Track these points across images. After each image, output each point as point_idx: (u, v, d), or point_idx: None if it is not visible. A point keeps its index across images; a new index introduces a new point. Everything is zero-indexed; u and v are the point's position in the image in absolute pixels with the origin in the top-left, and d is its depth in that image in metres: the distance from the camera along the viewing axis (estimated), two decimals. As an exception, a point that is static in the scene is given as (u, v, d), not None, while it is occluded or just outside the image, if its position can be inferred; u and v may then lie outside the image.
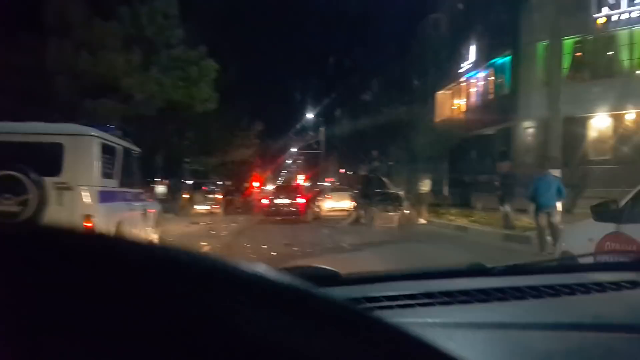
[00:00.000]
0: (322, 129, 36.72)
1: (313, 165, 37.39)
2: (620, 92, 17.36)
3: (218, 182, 24.20)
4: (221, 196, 21.73)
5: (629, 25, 17.97)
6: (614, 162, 17.07)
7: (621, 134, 17.84)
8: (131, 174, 7.11)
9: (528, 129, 20.37)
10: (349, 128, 34.43)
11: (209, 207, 20.25)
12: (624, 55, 18.29)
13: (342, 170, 34.96)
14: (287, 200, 17.14)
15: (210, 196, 21.06)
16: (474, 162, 21.12)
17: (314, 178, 34.52)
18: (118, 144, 6.63)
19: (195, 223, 14.50)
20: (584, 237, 3.60)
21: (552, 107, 12.01)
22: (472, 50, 23.89)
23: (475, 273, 1.37)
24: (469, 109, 24.63)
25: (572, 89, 18.37)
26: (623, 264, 1.56)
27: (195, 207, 19.94)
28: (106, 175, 6.12)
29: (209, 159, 24.57)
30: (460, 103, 25.93)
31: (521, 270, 1.44)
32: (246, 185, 29.45)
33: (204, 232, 12.19)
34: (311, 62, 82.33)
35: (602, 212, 3.40)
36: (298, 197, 17.47)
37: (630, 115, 17.87)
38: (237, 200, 24.16)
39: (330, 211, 18.05)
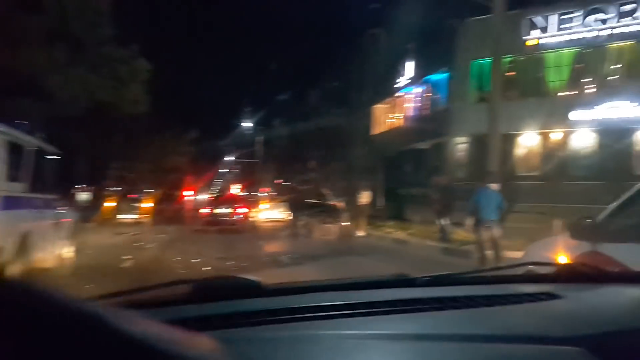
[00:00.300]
0: (259, 139, 36.13)
1: (249, 175, 36.51)
2: (547, 112, 18.17)
3: (147, 190, 22.96)
4: (150, 205, 20.58)
5: (557, 49, 18.86)
6: (540, 178, 17.74)
7: (547, 152, 18.62)
8: (45, 178, 6.30)
9: (461, 144, 20.85)
10: (287, 138, 34.10)
11: (136, 216, 19.07)
12: (551, 77, 19.15)
13: (279, 181, 34.51)
14: (228, 210, 16.52)
15: (138, 204, 19.88)
16: (409, 175, 21.37)
17: (249, 188, 33.68)
18: (29, 144, 5.83)
19: (121, 234, 13.49)
20: (545, 254, 3.38)
21: (492, 124, 12.21)
22: (410, 66, 24.30)
23: (399, 284, 1.36)
24: (405, 122, 24.98)
25: (504, 107, 19.10)
26: (543, 276, 1.55)
27: (120, 216, 18.72)
28: (11, 178, 5.32)
29: (138, 165, 23.29)
30: (396, 117, 26.27)
31: (444, 281, 1.43)
32: (178, 193, 28.23)
33: (128, 243, 11.27)
34: (250, 71, 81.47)
35: (579, 230, 3.18)
36: (239, 206, 16.88)
37: (555, 134, 18.68)
38: (167, 209, 22.98)
39: (266, 222, 17.56)
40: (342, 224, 13.48)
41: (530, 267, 1.68)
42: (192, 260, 8.51)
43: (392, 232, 13.46)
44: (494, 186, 9.25)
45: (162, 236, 13.27)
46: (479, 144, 19.48)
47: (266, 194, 28.20)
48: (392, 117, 26.67)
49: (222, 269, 7.57)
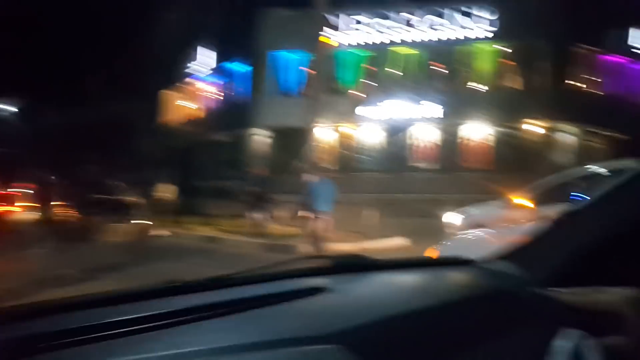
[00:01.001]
0: (23, 126, 30.21)
1: (7, 168, 29.88)
2: (341, 108, 18.81)
3: None
4: None
5: (349, 49, 19.70)
6: (337, 170, 18.22)
7: (343, 146, 19.38)
8: None
9: (263, 137, 20.39)
10: (60, 125, 29.37)
11: None
12: (345, 75, 19.90)
13: (49, 175, 29.41)
14: None
15: None
16: (208, 168, 20.12)
17: (5, 182, 27.44)
18: None
19: None
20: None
21: (310, 117, 12.03)
22: (206, 52, 22.97)
23: (160, 293, 1.16)
24: (203, 112, 23.54)
25: (309, 102, 19.20)
26: (318, 269, 1.48)
27: None
28: None
29: None
30: (192, 105, 24.64)
31: (212, 285, 1.26)
32: None
33: None
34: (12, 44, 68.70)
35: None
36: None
37: (348, 130, 19.45)
38: None
39: (31, 222, 14.50)
40: (138, 222, 11.56)
41: (308, 260, 1.60)
42: None
43: (199, 229, 12.07)
44: (315, 178, 8.83)
45: None
46: (282, 137, 19.27)
47: (31, 190, 23.45)
48: (187, 106, 24.97)
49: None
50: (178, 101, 25.06)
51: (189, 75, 23.70)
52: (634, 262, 1.18)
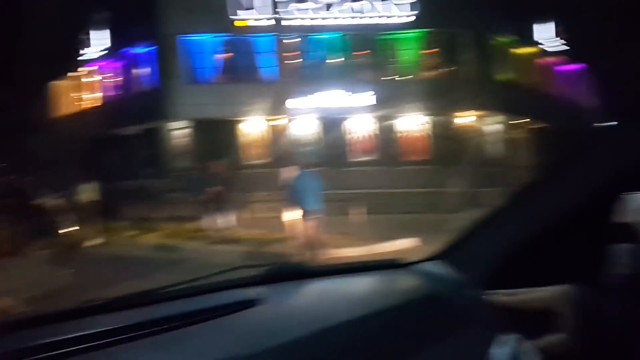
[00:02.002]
0: None
1: None
2: (265, 98, 17.81)
3: None
4: None
5: (266, 32, 18.64)
6: (267, 165, 17.18)
7: (272, 139, 18.33)
8: None
9: (179, 129, 18.71)
10: None
11: None
12: (264, 62, 18.82)
13: None
14: None
15: None
16: (126, 167, 17.98)
17: None
18: None
19: None
20: None
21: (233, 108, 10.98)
22: (103, 36, 20.52)
23: (87, 312, 1.11)
24: (102, 103, 20.99)
25: (222, 90, 17.85)
26: (253, 279, 1.40)
27: None
28: None
29: None
30: (88, 96, 21.92)
31: (138, 301, 1.21)
32: None
33: None
34: None
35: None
36: None
37: (277, 122, 18.44)
38: None
39: None
40: (71, 231, 9.73)
41: (243, 269, 1.49)
42: None
43: (140, 235, 10.50)
44: (294, 171, 7.93)
45: None
46: (204, 129, 17.79)
47: None
48: (87, 97, 22.20)
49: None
50: (74, 93, 22.17)
51: (84, 62, 21.00)
52: (571, 256, 1.12)
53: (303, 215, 7.24)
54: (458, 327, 1.10)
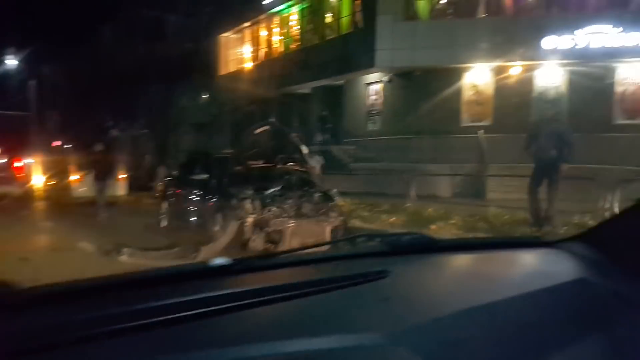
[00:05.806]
0: (32, 82, 24.23)
1: (13, 133, 23.91)
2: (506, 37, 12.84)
3: None
4: None
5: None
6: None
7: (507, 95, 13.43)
8: None
9: (373, 84, 14.95)
10: (76, 86, 24.13)
11: None
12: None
13: (57, 143, 23.93)
14: None
15: None
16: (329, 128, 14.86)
17: (14, 151, 21.67)
18: None
19: None
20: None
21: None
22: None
23: (205, 273, 1.04)
24: (277, 57, 17.99)
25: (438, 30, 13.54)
26: (372, 251, 1.33)
27: None
28: None
29: None
30: (262, 50, 19.19)
31: (263, 265, 1.18)
32: None
33: None
34: None
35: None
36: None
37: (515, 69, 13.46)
38: None
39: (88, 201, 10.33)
40: (336, 216, 6.28)
41: (364, 240, 1.49)
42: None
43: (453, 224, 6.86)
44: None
45: None
46: (410, 83, 13.81)
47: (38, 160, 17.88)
48: (255, 51, 19.49)
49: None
50: (238, 45, 19.59)
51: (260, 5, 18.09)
52: None
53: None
54: (617, 313, 1.04)
